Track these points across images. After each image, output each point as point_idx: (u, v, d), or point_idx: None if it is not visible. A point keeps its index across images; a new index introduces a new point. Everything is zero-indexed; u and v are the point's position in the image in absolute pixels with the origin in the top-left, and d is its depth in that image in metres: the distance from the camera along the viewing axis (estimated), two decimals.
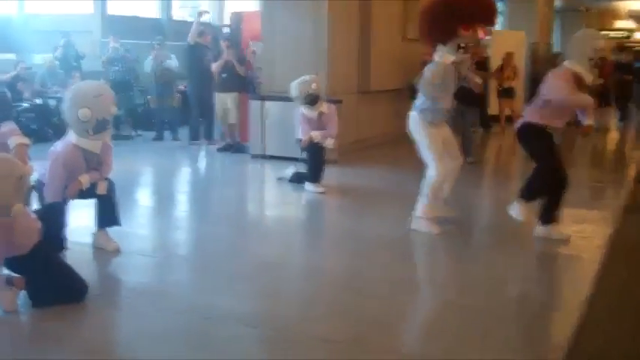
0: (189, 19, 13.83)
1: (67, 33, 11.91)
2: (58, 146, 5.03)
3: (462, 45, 5.56)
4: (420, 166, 5.98)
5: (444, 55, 5.55)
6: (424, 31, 5.72)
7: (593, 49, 5.35)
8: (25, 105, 10.38)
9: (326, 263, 5.27)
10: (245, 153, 9.85)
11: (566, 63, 5.43)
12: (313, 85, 7.45)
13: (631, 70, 15.89)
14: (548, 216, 5.61)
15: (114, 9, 15.92)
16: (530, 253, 5.55)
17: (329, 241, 6.07)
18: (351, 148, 9.72)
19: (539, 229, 5.62)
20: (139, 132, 11.84)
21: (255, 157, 9.62)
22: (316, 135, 7.45)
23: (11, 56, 13.71)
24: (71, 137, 4.98)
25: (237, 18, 10.88)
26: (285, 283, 4.75)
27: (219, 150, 10.29)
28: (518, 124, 5.69)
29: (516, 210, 5.65)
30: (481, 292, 4.57)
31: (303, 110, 7.50)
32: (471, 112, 9.42)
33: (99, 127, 4.93)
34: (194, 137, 10.90)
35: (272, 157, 9.40)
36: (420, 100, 5.74)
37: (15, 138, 4.09)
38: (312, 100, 7.43)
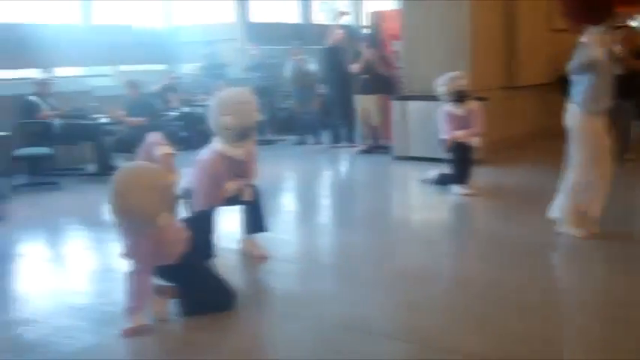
0: (329, 22, 13.78)
1: (212, 42, 12.23)
2: (204, 154, 5.09)
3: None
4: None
5: (595, 37, 5.12)
6: (574, 9, 5.30)
7: None
8: (174, 113, 10.73)
9: (473, 271, 4.99)
10: (388, 155, 9.69)
11: None
12: (462, 82, 7.19)
13: None
14: None
15: (255, 16, 16.25)
16: None
17: (476, 247, 5.76)
18: (497, 146, 9.32)
19: None
20: (282, 136, 11.98)
21: (398, 158, 9.44)
22: (461, 134, 7.17)
23: (161, 67, 14.34)
24: (216, 145, 5.03)
25: (377, 17, 10.74)
26: (429, 293, 4.50)
27: (361, 152, 10.19)
28: None
29: None
30: None
31: (450, 108, 7.24)
32: (629, 104, 8.78)
33: (243, 134, 4.95)
34: (335, 140, 10.87)
35: (416, 159, 9.18)
36: (576, 89, 5.33)
37: (161, 147, 4.14)
38: (460, 97, 7.16)
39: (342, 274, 5.00)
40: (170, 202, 3.74)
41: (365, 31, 11.49)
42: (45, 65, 12.92)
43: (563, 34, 11.09)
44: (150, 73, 13.07)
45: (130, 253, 3.87)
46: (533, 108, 10.76)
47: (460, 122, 7.23)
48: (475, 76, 9.09)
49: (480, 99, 8.45)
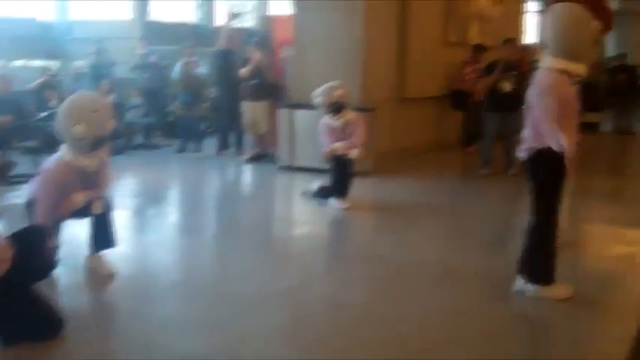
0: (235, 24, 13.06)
1: (100, 40, 11.64)
2: (50, 163, 4.67)
3: None
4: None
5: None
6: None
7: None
8: (49, 112, 10.08)
9: (343, 294, 4.65)
10: (275, 164, 9.38)
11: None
12: (338, 92, 6.93)
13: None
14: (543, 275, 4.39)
15: (155, 15, 15.72)
16: None
17: (350, 266, 5.39)
18: (386, 158, 9.17)
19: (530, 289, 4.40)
20: (169, 141, 11.42)
21: (283, 168, 9.14)
22: (340, 146, 6.94)
23: (55, 63, 13.58)
24: (64, 153, 4.61)
25: (268, 22, 10.41)
26: (294, 316, 4.21)
27: (248, 161, 9.84)
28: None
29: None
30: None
31: (327, 119, 7.00)
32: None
33: (95, 144, 4.57)
34: (223, 147, 10.48)
35: (302, 169, 8.89)
36: None
37: None
38: (336, 108, 6.91)
39: (203, 294, 4.58)
40: None
41: (256, 35, 11.07)
42: None
43: (456, 48, 11.16)
44: (33, 69, 12.37)
45: None
46: (426, 120, 10.69)
47: (339, 134, 7.00)
48: (365, 86, 8.96)
49: (365, 110, 8.30)
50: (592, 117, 14.15)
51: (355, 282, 4.99)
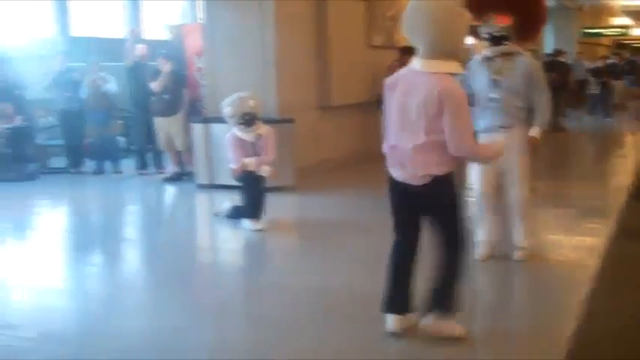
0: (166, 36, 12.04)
1: (7, 60, 10.70)
2: None
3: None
4: None
5: None
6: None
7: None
8: None
9: (254, 332, 4.12)
10: (194, 182, 8.75)
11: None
12: (250, 103, 6.36)
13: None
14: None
15: (79, 31, 14.91)
16: None
17: (261, 299, 4.75)
18: (310, 172, 8.64)
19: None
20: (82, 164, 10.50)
21: (202, 187, 8.51)
22: (250, 162, 6.35)
23: None
24: None
25: (178, 32, 9.74)
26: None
27: (166, 180, 9.20)
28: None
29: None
30: None
31: (238, 133, 6.41)
32: None
33: None
34: (142, 166, 9.82)
35: (222, 187, 8.24)
36: None
37: None
38: (248, 120, 6.34)
39: (79, 341, 4.01)
40: None
41: (165, 45, 10.29)
42: None
43: (381, 51, 10.69)
44: None
45: None
46: (352, 129, 10.18)
47: (250, 148, 6.43)
48: (282, 96, 8.46)
49: (285, 121, 7.81)
50: None
51: (265, 319, 4.33)
